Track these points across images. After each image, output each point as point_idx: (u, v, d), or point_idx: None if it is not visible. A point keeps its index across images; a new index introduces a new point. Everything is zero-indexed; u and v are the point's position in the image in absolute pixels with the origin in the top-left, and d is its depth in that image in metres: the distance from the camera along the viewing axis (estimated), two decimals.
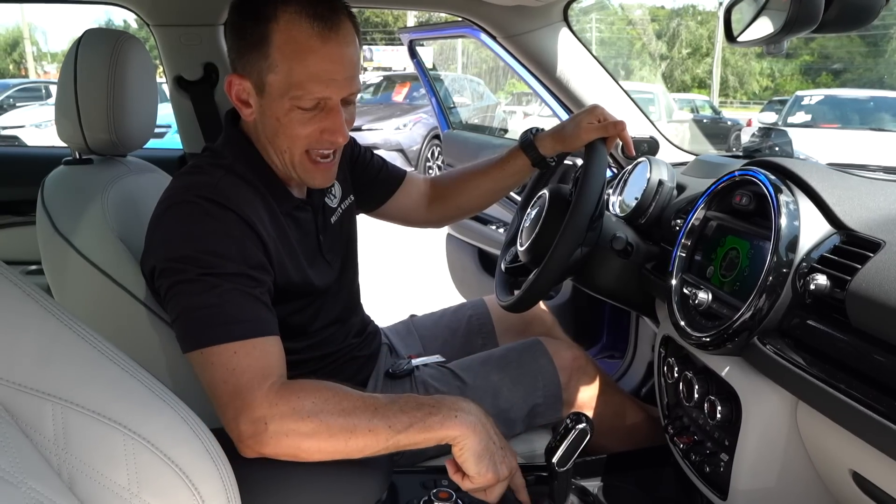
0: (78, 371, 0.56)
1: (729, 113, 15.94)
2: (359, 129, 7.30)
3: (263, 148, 0.88)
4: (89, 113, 0.97)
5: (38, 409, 0.53)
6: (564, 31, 1.41)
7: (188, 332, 0.75)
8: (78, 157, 1.03)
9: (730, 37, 0.92)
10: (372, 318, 1.15)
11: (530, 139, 1.13)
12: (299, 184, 0.94)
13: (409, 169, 1.31)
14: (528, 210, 1.18)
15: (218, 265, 0.75)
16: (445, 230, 2.24)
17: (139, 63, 1.01)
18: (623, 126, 1.06)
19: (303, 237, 0.92)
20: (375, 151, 1.20)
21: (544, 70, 1.44)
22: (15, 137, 8.45)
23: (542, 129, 1.15)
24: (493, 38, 1.47)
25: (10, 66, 29.97)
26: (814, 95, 8.43)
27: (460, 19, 1.52)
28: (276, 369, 0.74)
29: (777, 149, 1.36)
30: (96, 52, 0.97)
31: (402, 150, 7.49)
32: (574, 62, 1.44)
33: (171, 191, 0.84)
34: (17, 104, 10.44)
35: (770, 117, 8.78)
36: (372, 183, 1.15)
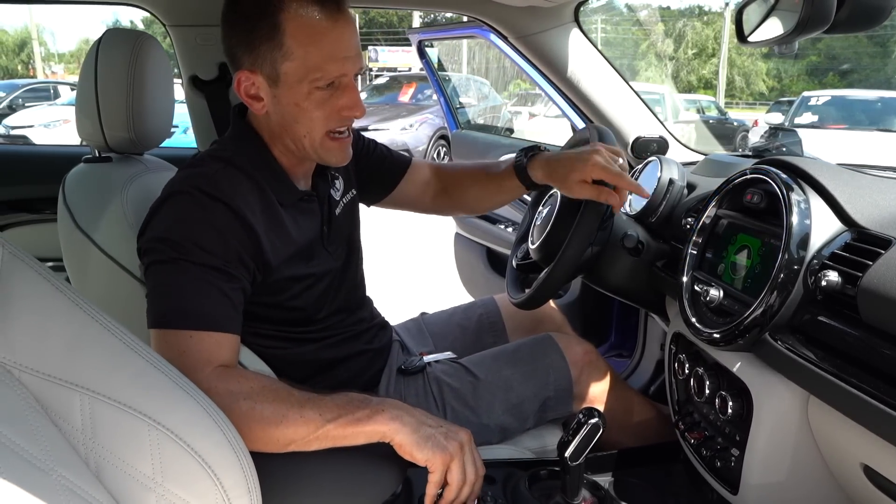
0: (105, 363, 0.57)
1: (735, 114, 15.89)
2: (365, 129, 7.34)
3: (273, 139, 0.91)
4: (109, 112, 0.99)
5: (67, 399, 0.54)
6: (575, 31, 1.42)
7: (153, 309, 0.78)
8: (98, 155, 1.05)
9: (741, 37, 0.93)
10: (380, 313, 1.16)
11: (523, 164, 1.06)
12: (305, 174, 0.96)
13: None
14: (540, 208, 1.19)
15: (195, 254, 0.78)
16: (454, 229, 2.25)
17: (158, 63, 1.02)
18: (622, 181, 0.93)
19: (307, 227, 0.94)
20: None
21: (555, 70, 1.45)
22: (24, 137, 8.52)
23: (542, 151, 1.07)
24: (504, 38, 1.48)
25: (19, 67, 30.17)
26: (821, 96, 8.39)
27: (469, 19, 1.53)
28: (223, 360, 0.77)
29: (785, 149, 1.37)
30: (116, 52, 0.98)
31: (408, 151, 7.52)
32: (585, 62, 1.45)
33: (170, 181, 0.87)
34: (26, 104, 10.53)
35: (776, 118, 8.75)
36: (377, 172, 1.15)
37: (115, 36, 1.01)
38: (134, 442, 0.56)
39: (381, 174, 1.16)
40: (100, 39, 1.01)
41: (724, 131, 10.91)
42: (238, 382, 0.74)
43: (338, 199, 1.03)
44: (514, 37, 1.44)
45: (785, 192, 0.79)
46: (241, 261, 0.82)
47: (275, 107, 0.86)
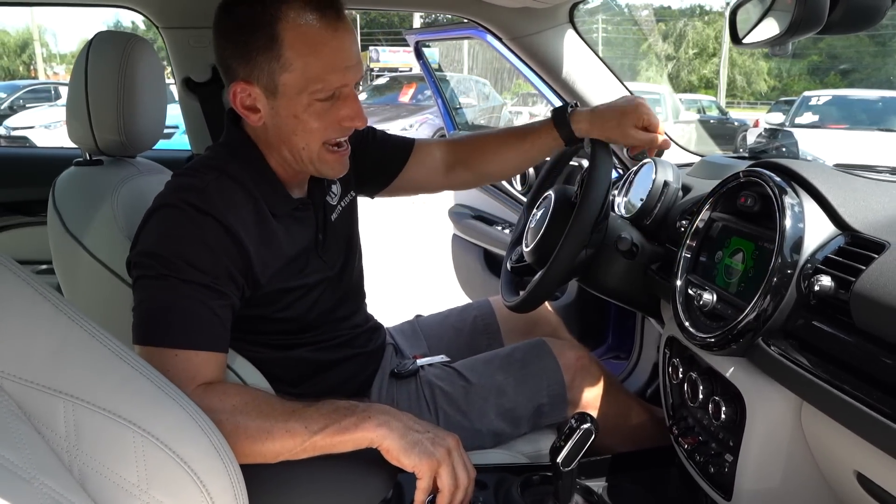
0: (89, 369, 0.57)
1: (736, 114, 15.88)
2: None
3: (270, 149, 0.89)
4: (100, 114, 0.98)
5: (51, 406, 0.54)
6: (570, 32, 1.42)
7: (139, 325, 0.77)
8: (88, 158, 1.05)
9: (735, 38, 0.92)
10: (374, 316, 1.15)
11: (565, 116, 1.06)
12: (301, 183, 0.94)
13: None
14: (534, 210, 1.19)
15: (184, 270, 0.76)
16: (451, 231, 2.25)
17: (149, 65, 1.02)
18: (665, 141, 1.04)
19: (300, 237, 0.92)
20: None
21: (550, 71, 1.44)
22: (25, 138, 8.54)
23: (577, 106, 1.09)
24: (500, 39, 1.47)
25: (21, 68, 30.21)
26: (821, 96, 8.37)
27: (466, 21, 1.52)
28: (207, 378, 0.76)
29: (784, 150, 1.36)
30: (107, 55, 0.98)
31: None
32: (580, 63, 1.44)
33: (163, 191, 0.85)
34: (27, 105, 10.56)
35: (777, 118, 8.74)
36: (379, 160, 1.12)
37: (105, 38, 1.00)
38: (119, 449, 0.56)
39: (383, 162, 1.12)
40: (90, 41, 1.00)
41: (725, 131, 10.89)
42: (220, 400, 0.73)
43: (334, 204, 1.01)
44: (509, 38, 1.44)
45: (778, 195, 0.78)
46: (230, 277, 0.80)
47: (272, 118, 0.84)
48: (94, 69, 0.98)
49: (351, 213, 1.06)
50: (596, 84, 1.46)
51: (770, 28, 0.84)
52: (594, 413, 1.07)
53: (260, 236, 0.85)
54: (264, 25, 0.79)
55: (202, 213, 0.80)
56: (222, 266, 0.79)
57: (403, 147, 1.14)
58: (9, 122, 9.25)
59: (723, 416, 0.81)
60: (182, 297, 0.76)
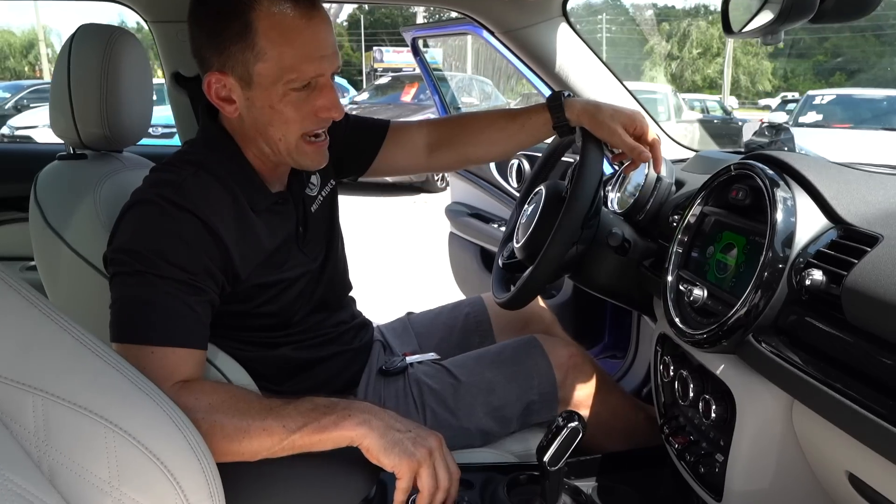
0: (60, 363, 0.55)
1: (740, 114, 15.85)
2: None
3: (246, 142, 0.88)
4: (83, 108, 0.97)
5: (19, 400, 0.53)
6: (564, 26, 1.40)
7: (115, 322, 0.76)
8: (72, 151, 1.03)
9: (727, 28, 0.91)
10: (362, 313, 1.13)
11: (560, 101, 1.03)
12: (280, 176, 0.93)
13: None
14: (525, 206, 1.17)
15: (161, 267, 0.75)
16: (448, 229, 2.23)
17: (133, 58, 1.00)
18: (656, 147, 1.02)
19: (280, 231, 0.91)
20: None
21: (543, 65, 1.42)
22: (28, 137, 8.57)
23: (574, 95, 1.08)
24: (492, 33, 1.46)
25: (26, 68, 30.39)
26: (826, 95, 8.32)
27: (462, 16, 1.51)
28: (185, 376, 0.75)
29: (786, 148, 1.34)
30: (90, 47, 0.97)
31: None
32: (573, 58, 1.43)
33: (139, 187, 0.84)
34: (31, 105, 10.61)
35: (781, 117, 8.69)
36: (355, 144, 1.10)
37: (88, 31, 0.99)
38: (90, 445, 0.55)
39: (358, 146, 1.11)
40: (74, 33, 0.99)
41: (729, 131, 10.87)
42: (196, 398, 0.71)
43: (314, 195, 1.00)
44: (501, 31, 1.42)
45: (770, 188, 0.76)
46: (209, 273, 0.79)
47: (248, 110, 0.83)
48: (76, 61, 0.96)
49: (332, 203, 1.05)
50: (590, 79, 1.44)
51: (761, 17, 0.82)
52: (586, 412, 1.06)
53: (239, 231, 0.83)
54: (238, 14, 0.78)
55: (179, 209, 0.78)
56: (200, 262, 0.78)
57: (378, 129, 1.12)
58: (13, 121, 9.29)
59: (713, 414, 0.80)
60: (158, 294, 0.75)
